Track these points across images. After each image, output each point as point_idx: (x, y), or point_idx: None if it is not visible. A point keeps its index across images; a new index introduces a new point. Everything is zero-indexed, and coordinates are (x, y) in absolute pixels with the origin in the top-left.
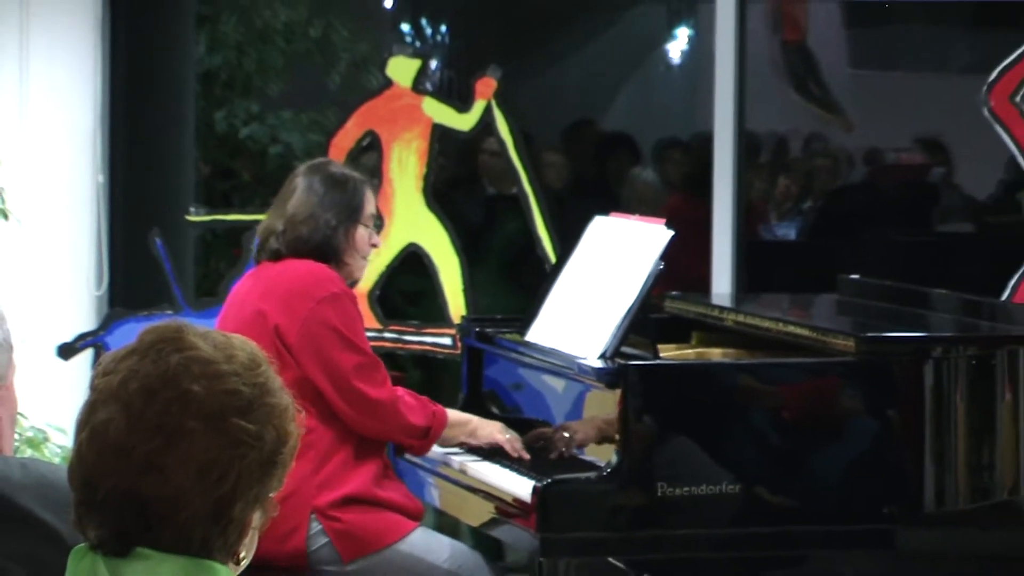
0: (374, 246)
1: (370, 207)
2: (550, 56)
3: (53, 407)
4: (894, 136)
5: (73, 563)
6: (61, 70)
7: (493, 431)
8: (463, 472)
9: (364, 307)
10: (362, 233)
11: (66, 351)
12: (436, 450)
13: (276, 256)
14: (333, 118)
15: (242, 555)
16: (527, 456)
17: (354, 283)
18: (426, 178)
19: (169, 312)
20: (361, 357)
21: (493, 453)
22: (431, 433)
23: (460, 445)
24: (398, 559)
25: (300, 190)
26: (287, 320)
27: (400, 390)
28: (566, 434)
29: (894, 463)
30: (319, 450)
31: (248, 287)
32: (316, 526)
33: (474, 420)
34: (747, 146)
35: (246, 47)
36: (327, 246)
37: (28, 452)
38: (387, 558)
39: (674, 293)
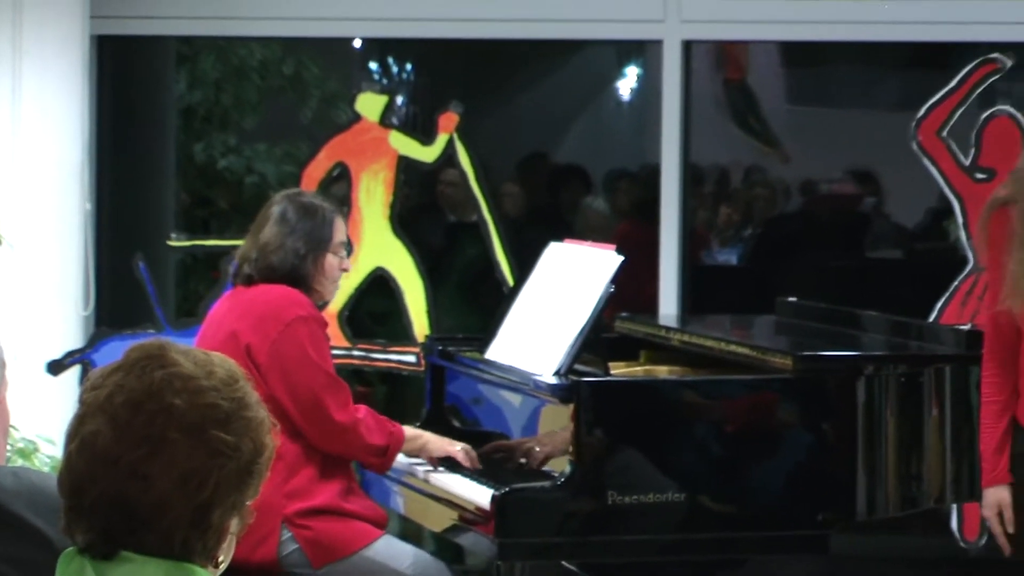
0: (344, 271)
1: (340, 235)
2: (508, 93)
3: (43, 420)
4: (828, 168)
5: (62, 566)
6: (52, 106)
7: (444, 444)
8: (427, 482)
9: (334, 326)
10: (331, 260)
11: (55, 367)
12: (401, 460)
13: (249, 281)
14: (305, 150)
15: (220, 559)
16: (479, 465)
17: (324, 304)
18: (392, 206)
19: (152, 331)
20: (326, 380)
21: (454, 465)
22: (389, 452)
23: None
24: (364, 565)
25: (273, 219)
26: (258, 341)
27: (362, 410)
28: (537, 448)
29: (828, 473)
30: (288, 463)
31: (224, 309)
32: (287, 534)
33: (425, 435)
34: (692, 177)
35: (223, 84)
36: (296, 273)
37: (19, 462)
38: (354, 564)
39: (624, 314)
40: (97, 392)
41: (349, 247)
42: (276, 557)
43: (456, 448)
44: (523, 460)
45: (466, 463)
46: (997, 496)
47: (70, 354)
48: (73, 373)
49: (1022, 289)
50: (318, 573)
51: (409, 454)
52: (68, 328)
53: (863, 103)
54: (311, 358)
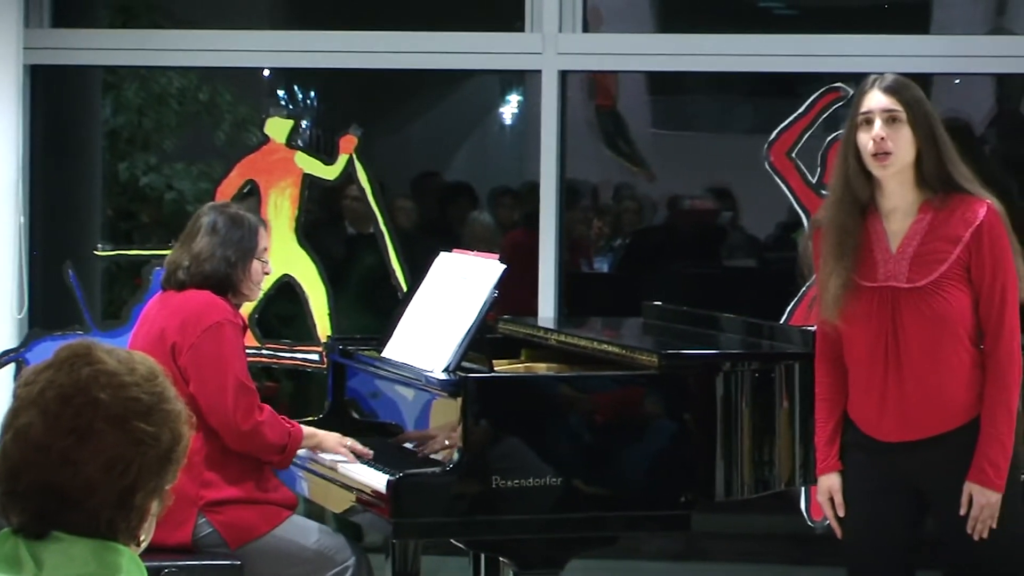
0: (267, 274)
1: (264, 242)
2: (402, 118)
3: None
4: (689, 185)
5: None
6: None
7: (334, 444)
8: (329, 468)
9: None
10: (257, 266)
11: None
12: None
13: (181, 286)
14: (219, 169)
15: (142, 538)
16: (369, 453)
17: (249, 301)
18: (298, 219)
19: (80, 332)
20: (235, 384)
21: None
22: (287, 450)
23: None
24: (274, 542)
25: (204, 229)
26: (180, 342)
27: (265, 413)
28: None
29: (690, 459)
30: (204, 456)
31: (155, 310)
32: (202, 518)
33: (319, 434)
34: (567, 194)
35: (145, 109)
36: (227, 280)
37: None
38: (266, 542)
39: (506, 316)
40: (30, 387)
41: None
42: (191, 539)
43: (344, 447)
44: (416, 448)
45: (353, 460)
46: (828, 483)
47: (5, 353)
48: (8, 371)
49: (830, 303)
50: (235, 553)
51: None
52: (3, 329)
53: (720, 127)
54: (223, 362)
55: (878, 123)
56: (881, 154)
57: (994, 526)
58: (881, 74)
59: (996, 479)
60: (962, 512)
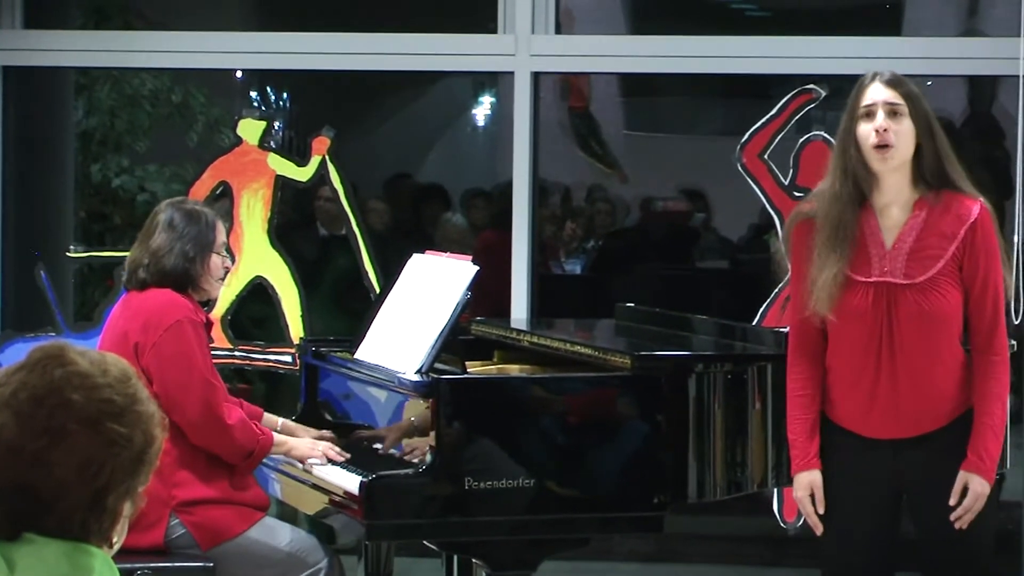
0: (227, 269)
1: (221, 236)
2: (375, 119)
3: None
4: (662, 187)
5: None
6: None
7: (305, 450)
8: (302, 470)
9: (218, 329)
10: (216, 260)
11: None
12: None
13: (143, 285)
14: (192, 170)
15: (114, 540)
16: (345, 456)
17: (212, 301)
18: (270, 221)
19: (53, 334)
20: (200, 381)
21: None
22: (255, 456)
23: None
24: (247, 544)
25: (161, 226)
26: (143, 342)
27: (235, 416)
28: (401, 438)
29: (663, 460)
30: (175, 457)
31: (118, 312)
32: (175, 520)
33: (290, 442)
34: (540, 196)
35: (118, 110)
36: (187, 275)
37: None
38: (238, 544)
39: (479, 318)
40: (2, 389)
41: (232, 256)
42: (163, 541)
43: (318, 452)
44: (389, 449)
45: (324, 460)
46: (809, 478)
47: None
48: None
49: (824, 295)
50: (207, 554)
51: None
52: None
53: (693, 129)
54: (186, 360)
55: (881, 115)
56: (883, 146)
57: (973, 518)
58: (878, 71)
59: (991, 469)
60: (952, 501)
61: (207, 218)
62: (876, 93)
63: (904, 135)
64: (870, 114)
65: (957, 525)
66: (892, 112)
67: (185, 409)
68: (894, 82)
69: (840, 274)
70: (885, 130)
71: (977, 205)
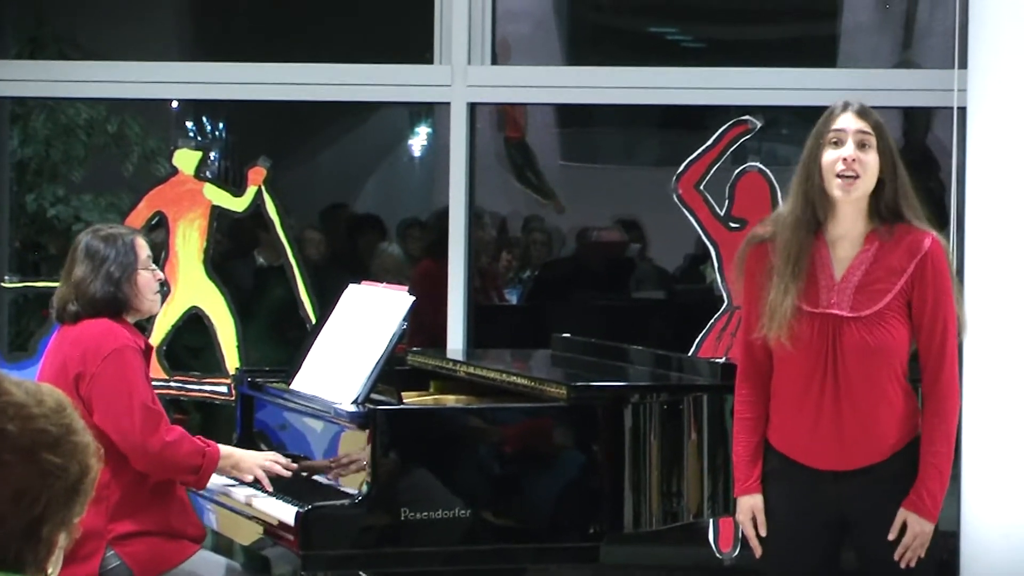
0: (160, 280)
1: (144, 251)
2: (311, 149)
3: None
4: (598, 217)
5: None
6: None
7: (253, 465)
8: (237, 500)
9: (153, 360)
10: (144, 276)
11: None
12: (215, 481)
13: (76, 318)
14: (127, 200)
15: (50, 571)
16: (294, 466)
17: (152, 317)
18: (206, 251)
19: None
20: (140, 408)
21: (256, 484)
22: (203, 470)
23: (231, 476)
24: None
25: (80, 256)
26: (83, 371)
27: (176, 433)
28: (337, 468)
29: (599, 490)
30: (113, 489)
31: (56, 343)
32: (110, 551)
33: (236, 454)
34: (476, 226)
35: (53, 140)
36: (116, 300)
37: None
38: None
39: (415, 348)
40: None
41: (164, 284)
42: (99, 572)
43: (266, 464)
44: (325, 479)
45: (274, 475)
46: (751, 502)
47: None
48: None
49: (778, 317)
50: None
51: (223, 472)
52: None
53: (629, 160)
54: (127, 387)
55: (851, 144)
56: (849, 176)
57: (922, 555)
58: (848, 100)
59: (933, 509)
60: (891, 537)
61: (124, 238)
62: (847, 122)
63: (870, 167)
64: (839, 142)
65: (903, 564)
66: (861, 144)
67: (127, 436)
68: (864, 113)
69: (794, 303)
70: (854, 160)
71: (929, 238)
